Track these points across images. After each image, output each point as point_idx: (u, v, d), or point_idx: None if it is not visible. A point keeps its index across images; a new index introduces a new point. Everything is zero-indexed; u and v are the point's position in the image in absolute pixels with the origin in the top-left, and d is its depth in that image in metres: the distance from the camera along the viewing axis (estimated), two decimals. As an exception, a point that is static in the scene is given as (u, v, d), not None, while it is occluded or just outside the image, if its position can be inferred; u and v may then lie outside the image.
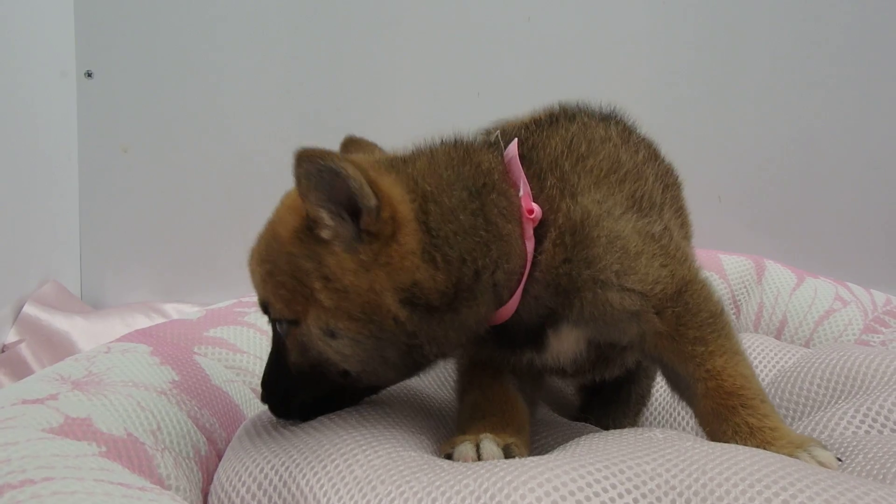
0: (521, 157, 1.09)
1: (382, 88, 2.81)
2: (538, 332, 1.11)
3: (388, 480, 0.87)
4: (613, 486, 0.83)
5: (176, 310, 2.58)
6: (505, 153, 1.10)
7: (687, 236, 1.31)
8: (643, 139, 1.32)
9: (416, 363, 1.07)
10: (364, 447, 0.96)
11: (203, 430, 1.19)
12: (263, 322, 1.68)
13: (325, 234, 0.97)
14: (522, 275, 1.05)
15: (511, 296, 1.05)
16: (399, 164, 1.05)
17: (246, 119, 2.74)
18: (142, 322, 2.40)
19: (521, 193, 1.05)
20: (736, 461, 0.86)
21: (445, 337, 1.04)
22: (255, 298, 1.82)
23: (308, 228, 0.98)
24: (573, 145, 1.13)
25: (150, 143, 2.72)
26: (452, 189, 1.02)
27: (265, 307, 1.07)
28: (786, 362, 1.55)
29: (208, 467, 1.14)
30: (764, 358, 1.59)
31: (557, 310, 1.07)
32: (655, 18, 2.84)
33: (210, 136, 2.73)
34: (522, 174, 1.06)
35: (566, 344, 1.13)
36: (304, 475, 0.92)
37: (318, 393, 1.08)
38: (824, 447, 0.98)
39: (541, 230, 1.05)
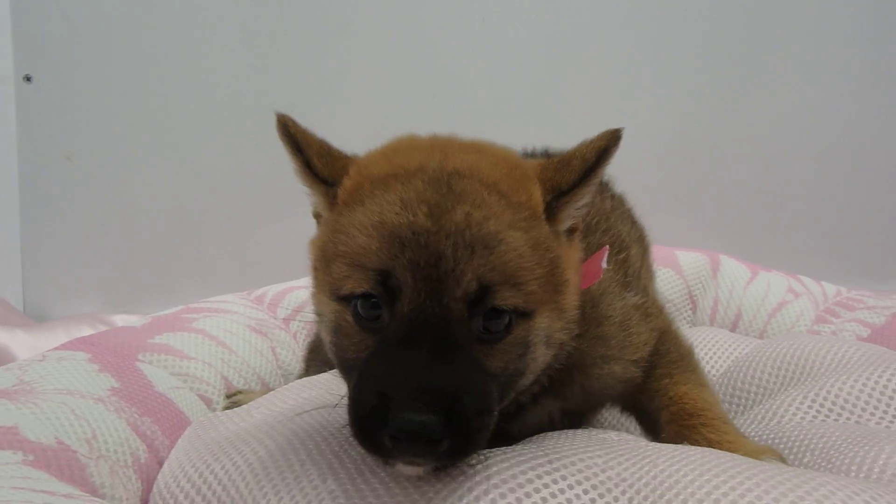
0: None
1: (338, 91, 2.78)
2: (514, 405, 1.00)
3: (332, 478, 0.84)
4: (563, 478, 0.81)
5: (125, 321, 2.51)
6: None
7: (654, 285, 1.31)
8: (624, 203, 1.33)
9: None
10: (305, 442, 0.93)
11: (143, 437, 1.15)
12: (212, 327, 1.65)
13: (561, 225, 0.88)
14: None
15: None
16: None
17: (194, 125, 2.69)
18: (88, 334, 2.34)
19: None
20: (687, 457, 0.86)
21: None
22: (203, 305, 1.81)
23: (547, 210, 0.86)
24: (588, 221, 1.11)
25: (95, 151, 2.65)
26: None
27: (487, 289, 0.79)
28: (739, 353, 1.56)
29: (149, 475, 1.10)
30: (718, 350, 1.59)
31: (550, 384, 1.00)
32: (612, 21, 2.85)
33: (157, 143, 2.68)
34: None
35: (541, 416, 1.07)
36: (244, 477, 0.89)
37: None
38: (782, 459, 0.98)
39: None
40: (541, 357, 0.85)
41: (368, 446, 0.75)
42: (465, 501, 0.76)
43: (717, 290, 2.07)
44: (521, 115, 2.83)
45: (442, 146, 0.91)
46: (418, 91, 2.81)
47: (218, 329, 1.65)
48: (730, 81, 2.87)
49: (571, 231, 0.91)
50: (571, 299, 0.87)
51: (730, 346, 1.60)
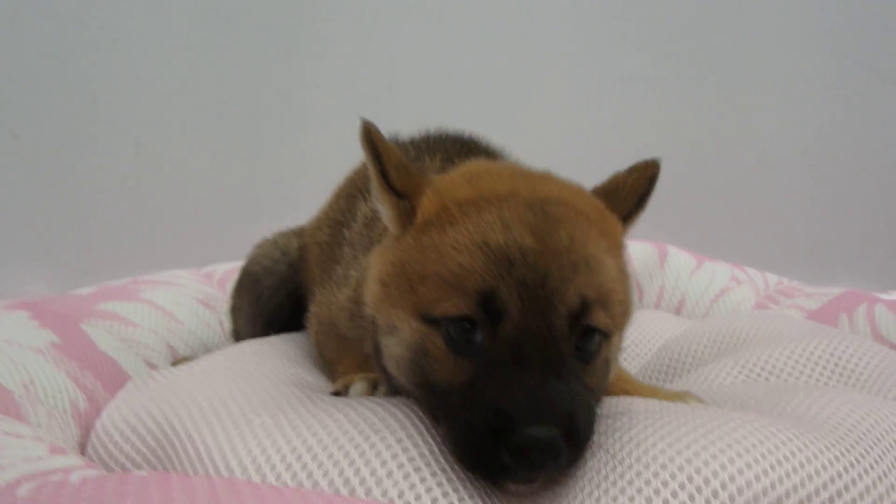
0: None
1: (293, 80, 2.78)
2: None
3: (265, 413, 0.85)
4: None
5: (75, 300, 2.49)
6: None
7: None
8: None
9: None
10: (241, 385, 0.94)
11: (83, 388, 1.15)
12: (160, 298, 1.65)
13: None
14: None
15: None
16: None
17: (143, 104, 2.67)
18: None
19: None
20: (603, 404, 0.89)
21: None
22: (152, 277, 1.81)
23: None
24: None
25: (43, 129, 2.61)
26: None
27: (586, 307, 0.80)
28: (677, 330, 1.59)
29: (87, 423, 1.10)
30: (659, 329, 1.63)
31: None
32: (574, 16, 2.89)
33: (105, 122, 2.65)
34: None
35: None
36: (178, 415, 0.90)
37: None
38: (699, 399, 1.03)
39: None
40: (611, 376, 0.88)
41: (484, 467, 0.73)
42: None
43: (664, 278, 2.11)
44: (479, 111, 2.86)
45: (523, 174, 0.94)
46: (374, 84, 2.83)
47: (165, 300, 1.65)
48: (682, 77, 2.92)
49: None
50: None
51: (672, 326, 1.64)
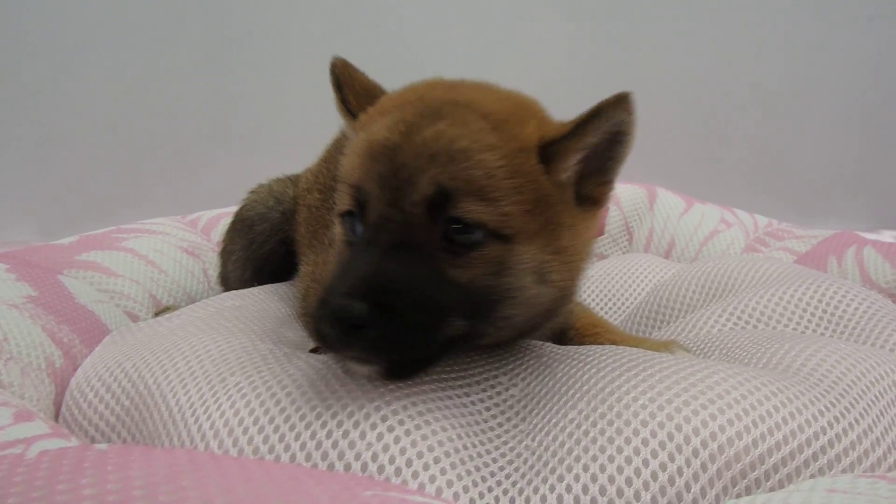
0: None
1: (279, 25, 2.72)
2: None
3: (239, 372, 0.84)
4: (467, 395, 0.84)
5: (60, 249, 2.47)
6: None
7: None
8: None
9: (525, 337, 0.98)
10: (218, 342, 0.93)
11: (59, 344, 1.13)
12: (142, 247, 1.63)
13: (562, 175, 0.86)
14: None
15: None
16: None
17: (127, 49, 2.62)
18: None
19: None
20: (585, 358, 0.88)
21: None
22: (135, 226, 1.78)
23: (547, 152, 0.85)
24: None
25: (23, 75, 2.57)
26: None
27: (447, 197, 0.79)
28: (666, 274, 1.58)
29: (63, 380, 1.08)
30: (648, 273, 1.61)
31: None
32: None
33: (85, 67, 2.60)
34: None
35: None
36: (153, 373, 0.89)
37: (454, 334, 0.81)
38: (685, 348, 1.02)
39: None
40: (531, 290, 0.84)
41: (315, 336, 0.74)
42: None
43: (653, 220, 2.09)
44: (465, 57, 2.81)
45: (458, 84, 0.93)
46: (360, 26, 2.77)
47: (148, 249, 1.63)
48: (670, 12, 2.87)
49: (588, 198, 0.90)
50: (573, 247, 0.87)
51: (661, 269, 1.62)
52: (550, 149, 0.83)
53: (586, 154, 0.86)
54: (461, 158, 0.79)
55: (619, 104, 0.81)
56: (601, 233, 1.03)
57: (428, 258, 0.79)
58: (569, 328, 1.15)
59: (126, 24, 2.60)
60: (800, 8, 2.91)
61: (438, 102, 0.85)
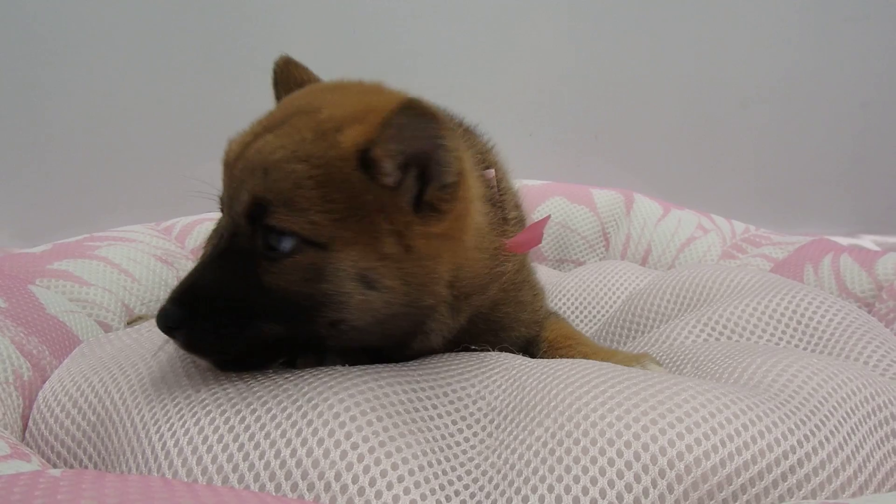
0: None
1: (256, 31, 2.71)
2: None
3: (204, 389, 0.83)
4: (434, 407, 0.83)
5: (34, 254, 2.45)
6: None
7: None
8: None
9: (408, 346, 0.97)
10: (183, 357, 0.91)
11: (28, 355, 1.12)
12: (115, 255, 1.61)
13: (385, 179, 0.86)
14: None
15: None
16: (467, 136, 1.03)
17: (106, 54, 2.59)
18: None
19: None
20: (555, 373, 0.87)
21: (449, 330, 0.98)
22: (108, 234, 1.77)
23: (365, 158, 0.85)
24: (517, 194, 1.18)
25: (3, 81, 2.54)
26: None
27: (262, 207, 0.84)
28: (641, 282, 1.58)
29: (31, 393, 1.07)
30: (624, 281, 1.61)
31: (469, 342, 1.05)
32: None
33: (66, 72, 2.58)
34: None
35: None
36: (119, 388, 0.88)
37: (274, 337, 0.87)
38: (657, 362, 1.02)
39: None
40: (358, 295, 0.85)
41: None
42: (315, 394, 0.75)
43: (630, 226, 2.10)
44: (443, 58, 2.81)
45: (331, 88, 0.98)
46: (339, 27, 2.76)
47: (121, 257, 1.61)
48: (651, 20, 2.87)
49: (426, 205, 0.89)
50: (410, 252, 0.87)
51: (636, 277, 1.62)
52: (366, 155, 0.84)
53: (407, 160, 0.86)
54: (273, 171, 0.83)
55: (401, 111, 0.81)
56: (536, 242, 1.02)
57: (248, 265, 0.85)
58: (541, 340, 1.15)
59: (103, 31, 2.58)
60: (779, 13, 2.92)
61: (290, 110, 0.90)
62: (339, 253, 0.84)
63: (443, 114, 0.84)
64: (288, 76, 1.06)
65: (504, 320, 1.09)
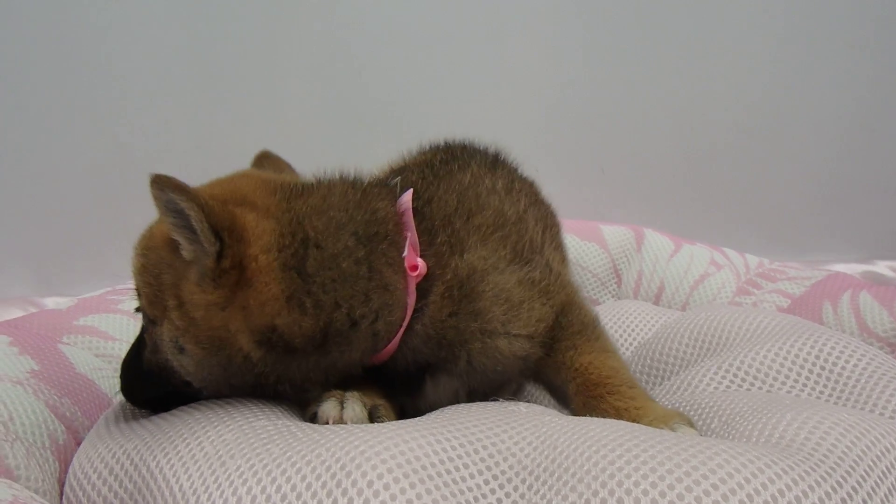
0: (415, 210, 1.08)
1: (268, 59, 2.74)
2: (416, 381, 1.11)
3: (239, 454, 0.84)
4: (466, 466, 0.83)
5: (56, 304, 2.46)
6: (399, 203, 1.09)
7: (564, 262, 1.35)
8: (525, 183, 1.36)
9: (266, 393, 1.04)
10: (215, 423, 0.93)
11: (62, 418, 1.15)
12: (137, 309, 1.64)
13: (185, 254, 0.95)
14: (402, 326, 1.04)
15: (387, 345, 1.04)
16: (291, 198, 1.02)
17: (121, 109, 2.62)
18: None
19: (405, 252, 1.03)
20: (586, 432, 0.86)
21: (305, 377, 1.02)
22: (130, 286, 1.79)
23: (171, 242, 0.97)
24: (464, 201, 1.15)
25: (23, 132, 2.57)
26: (340, 233, 1.00)
27: (138, 295, 1.06)
28: (656, 324, 1.57)
29: (66, 456, 1.10)
30: (640, 322, 1.60)
31: (437, 362, 1.08)
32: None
33: (85, 124, 2.60)
34: (413, 229, 1.06)
35: (444, 395, 1.12)
36: (155, 457, 0.89)
37: (163, 390, 1.06)
38: (690, 423, 1.00)
39: (427, 284, 1.05)
40: (176, 359, 1.01)
41: None
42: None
43: (642, 263, 2.09)
44: (447, 94, 2.83)
45: (217, 182, 1.09)
46: (344, 70, 2.78)
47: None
48: (656, 53, 2.89)
49: (210, 273, 0.95)
50: (192, 321, 0.97)
51: (651, 318, 1.61)
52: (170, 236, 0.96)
53: (185, 231, 0.94)
54: (132, 261, 1.03)
55: (151, 185, 0.91)
56: (416, 267, 1.07)
57: (142, 342, 1.08)
58: (567, 381, 1.12)
59: (114, 83, 2.61)
60: (783, 42, 2.94)
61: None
62: (160, 327, 1.00)
63: (184, 185, 0.91)
64: (259, 167, 1.24)
65: (454, 334, 1.07)
